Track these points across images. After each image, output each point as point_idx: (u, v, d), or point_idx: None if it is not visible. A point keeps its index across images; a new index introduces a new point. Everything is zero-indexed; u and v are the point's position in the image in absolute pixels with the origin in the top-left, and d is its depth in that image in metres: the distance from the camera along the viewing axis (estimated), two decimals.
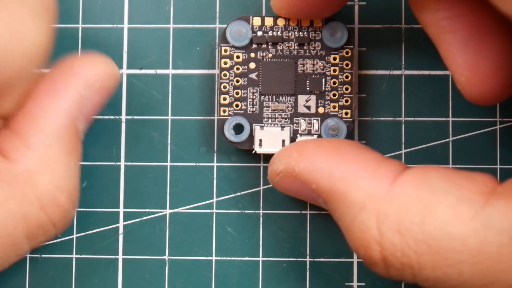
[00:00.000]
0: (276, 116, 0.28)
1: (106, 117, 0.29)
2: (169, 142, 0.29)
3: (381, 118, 0.29)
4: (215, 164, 0.29)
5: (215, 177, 0.29)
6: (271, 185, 0.29)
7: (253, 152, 0.27)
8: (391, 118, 0.29)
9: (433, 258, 0.20)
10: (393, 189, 0.21)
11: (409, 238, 0.20)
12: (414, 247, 0.20)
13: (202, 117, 0.29)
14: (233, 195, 0.29)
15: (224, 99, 0.28)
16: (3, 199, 0.23)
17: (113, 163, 0.29)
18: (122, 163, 0.29)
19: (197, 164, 0.29)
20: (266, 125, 0.28)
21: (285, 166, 0.24)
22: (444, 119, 0.29)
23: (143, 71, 0.29)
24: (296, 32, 0.28)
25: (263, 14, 0.29)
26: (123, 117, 0.29)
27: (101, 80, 0.24)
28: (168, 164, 0.29)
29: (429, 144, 0.29)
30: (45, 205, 0.23)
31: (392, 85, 0.29)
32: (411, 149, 0.29)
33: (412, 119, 0.29)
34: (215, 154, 0.29)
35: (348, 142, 0.24)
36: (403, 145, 0.29)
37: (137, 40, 0.29)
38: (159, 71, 0.29)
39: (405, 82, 0.29)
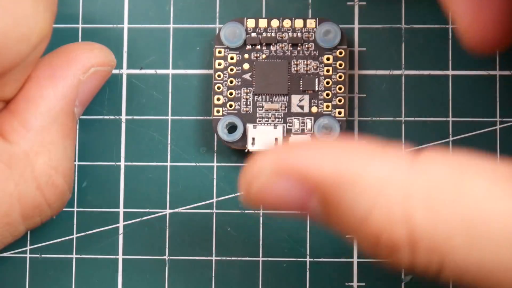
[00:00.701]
0: (270, 116, 0.28)
1: (106, 117, 0.29)
2: (169, 142, 0.29)
3: (381, 118, 0.29)
4: (215, 164, 0.29)
5: (215, 177, 0.29)
6: None
7: (246, 151, 0.28)
8: (391, 118, 0.29)
9: (466, 241, 0.18)
10: (416, 166, 0.19)
11: (440, 218, 0.18)
12: (446, 228, 0.18)
13: (202, 117, 0.29)
14: (233, 195, 0.29)
15: (218, 99, 0.28)
16: (0, 179, 0.23)
17: (113, 163, 0.29)
18: (122, 163, 0.29)
19: (197, 164, 0.29)
20: (259, 124, 0.28)
21: (273, 165, 0.20)
22: (444, 119, 0.29)
23: (143, 71, 0.29)
24: (289, 33, 0.28)
25: (263, 15, 0.29)
26: (123, 117, 0.29)
27: (98, 66, 0.25)
28: (168, 164, 0.29)
29: (429, 144, 0.29)
30: (41, 185, 0.23)
31: (392, 85, 0.29)
32: (411, 149, 0.29)
33: (412, 119, 0.29)
34: (215, 154, 0.29)
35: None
36: (403, 145, 0.29)
37: (137, 40, 0.29)
38: (159, 71, 0.29)
39: (405, 82, 0.29)
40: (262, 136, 0.28)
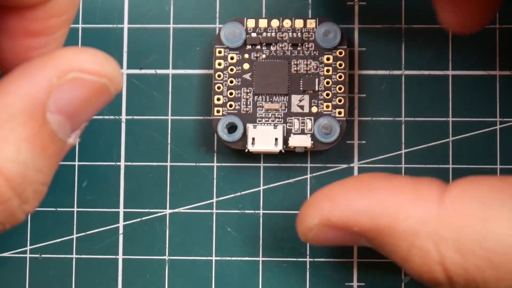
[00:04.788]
0: (270, 116, 0.28)
1: (106, 117, 0.29)
2: (169, 142, 0.29)
3: (381, 118, 0.29)
4: (215, 164, 0.29)
5: (215, 177, 0.29)
6: (271, 185, 0.29)
7: (246, 151, 0.28)
8: (391, 118, 0.29)
9: (496, 273, 0.20)
10: (444, 208, 0.21)
11: (469, 256, 0.20)
12: (475, 263, 0.20)
13: (202, 117, 0.29)
14: (233, 195, 0.29)
15: (218, 99, 0.28)
16: None
17: (113, 163, 0.29)
18: (122, 163, 0.29)
19: (197, 164, 0.29)
20: (259, 124, 0.28)
21: (319, 219, 0.23)
22: (444, 119, 0.29)
23: (143, 71, 0.29)
24: (289, 33, 0.28)
25: (263, 15, 0.29)
26: (123, 117, 0.29)
27: (79, 72, 0.22)
28: (168, 164, 0.29)
29: (429, 144, 0.29)
30: None
31: (392, 85, 0.29)
32: (411, 149, 0.29)
33: (412, 119, 0.29)
34: (215, 154, 0.29)
35: (373, 174, 0.24)
36: (403, 145, 0.29)
37: (137, 40, 0.29)
38: (159, 71, 0.29)
39: (405, 82, 0.29)
40: (262, 136, 0.28)
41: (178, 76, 0.29)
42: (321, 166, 0.29)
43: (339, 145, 0.29)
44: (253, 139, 0.28)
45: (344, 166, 0.29)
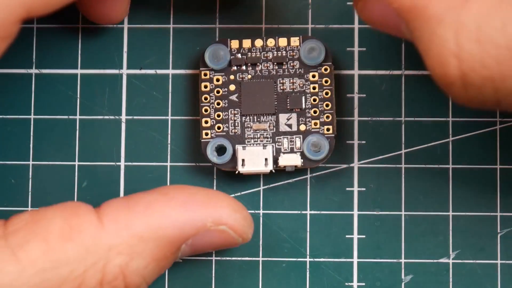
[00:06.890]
0: (258, 136, 0.28)
1: (106, 117, 0.29)
2: (169, 142, 0.29)
3: (381, 118, 0.29)
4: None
5: (215, 177, 0.29)
6: (271, 185, 0.29)
7: (236, 172, 0.28)
8: (391, 118, 0.29)
9: None
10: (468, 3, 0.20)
11: (489, 45, 0.19)
12: (495, 54, 0.19)
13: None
14: (233, 195, 0.29)
15: (206, 122, 0.28)
16: (74, 257, 0.23)
17: (113, 163, 0.29)
18: (122, 163, 0.29)
19: (197, 164, 0.29)
20: (248, 145, 0.28)
21: None
22: (444, 119, 0.29)
23: (143, 71, 0.29)
24: (274, 52, 0.28)
25: (263, 15, 0.29)
26: (123, 117, 0.29)
27: (229, 228, 0.24)
28: (168, 164, 0.29)
29: (429, 144, 0.29)
30: (103, 282, 0.23)
31: (392, 85, 0.29)
32: (411, 149, 0.29)
33: (412, 119, 0.29)
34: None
35: None
36: (403, 145, 0.29)
37: (137, 40, 0.29)
38: (159, 71, 0.29)
39: (405, 82, 0.29)
40: (252, 157, 0.28)
41: (178, 76, 0.29)
42: (321, 166, 0.29)
43: (339, 145, 0.29)
44: (243, 160, 0.28)
45: (344, 166, 0.29)
